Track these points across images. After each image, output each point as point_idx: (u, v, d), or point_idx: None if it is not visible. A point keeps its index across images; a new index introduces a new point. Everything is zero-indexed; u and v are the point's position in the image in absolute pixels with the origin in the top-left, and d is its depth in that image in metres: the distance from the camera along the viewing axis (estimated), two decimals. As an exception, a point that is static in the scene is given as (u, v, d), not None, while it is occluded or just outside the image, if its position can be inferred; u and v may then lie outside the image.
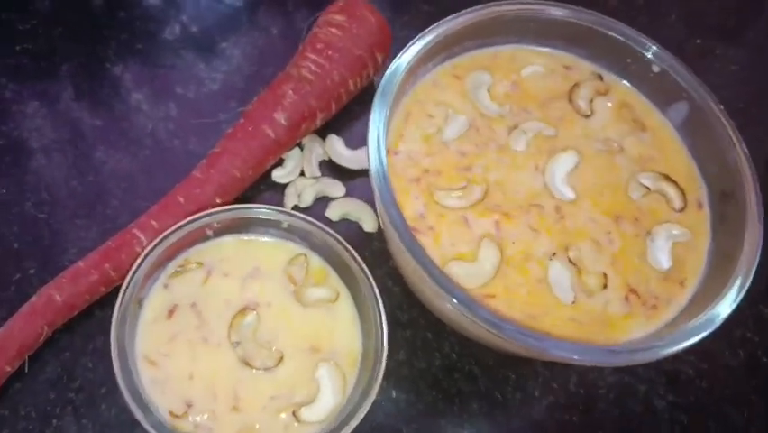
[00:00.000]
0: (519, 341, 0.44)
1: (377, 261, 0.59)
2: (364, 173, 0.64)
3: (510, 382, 0.57)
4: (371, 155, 0.48)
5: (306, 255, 0.54)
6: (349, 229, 0.61)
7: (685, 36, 0.77)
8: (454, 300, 0.45)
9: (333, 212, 0.61)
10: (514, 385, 0.57)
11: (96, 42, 0.70)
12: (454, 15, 0.54)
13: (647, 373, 0.58)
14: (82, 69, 0.68)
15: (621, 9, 0.78)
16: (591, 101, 0.57)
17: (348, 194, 0.63)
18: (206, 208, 0.56)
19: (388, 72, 0.51)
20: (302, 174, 0.63)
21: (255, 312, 0.51)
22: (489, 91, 0.56)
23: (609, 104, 0.57)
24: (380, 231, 0.61)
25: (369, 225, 0.61)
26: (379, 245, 0.61)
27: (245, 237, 0.55)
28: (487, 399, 0.56)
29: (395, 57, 0.64)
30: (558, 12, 0.57)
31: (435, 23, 0.73)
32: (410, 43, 0.52)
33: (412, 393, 0.56)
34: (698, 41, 0.78)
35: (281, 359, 0.50)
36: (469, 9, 0.55)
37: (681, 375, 0.59)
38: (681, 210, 0.53)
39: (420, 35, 0.53)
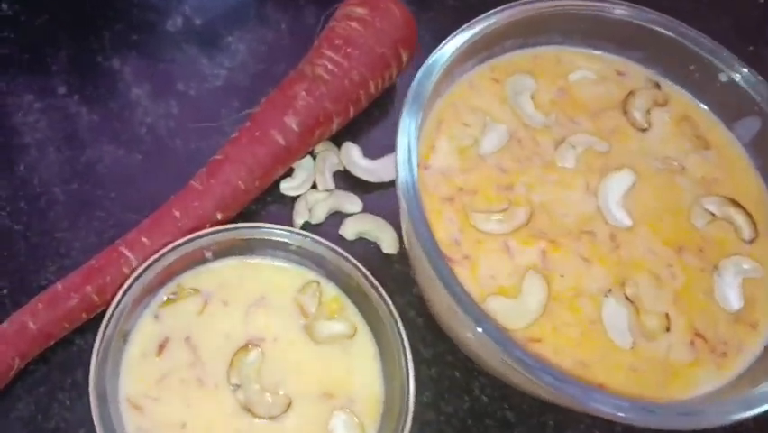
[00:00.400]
0: (578, 399, 0.37)
1: (398, 287, 0.52)
2: (382, 186, 0.57)
3: (548, 430, 0.50)
4: (400, 169, 0.41)
5: (318, 283, 0.47)
6: (366, 250, 0.54)
7: (736, 42, 0.70)
8: (496, 345, 0.38)
9: (349, 230, 0.54)
10: (552, 433, 0.50)
11: (88, 33, 0.63)
12: (497, 10, 0.47)
13: (701, 422, 0.51)
14: (71, 62, 0.61)
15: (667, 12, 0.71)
16: (648, 112, 0.50)
17: (365, 210, 0.56)
18: (205, 224, 0.50)
19: (421, 71, 0.44)
20: (314, 186, 0.56)
21: (259, 349, 0.44)
22: (532, 98, 0.49)
23: (668, 116, 0.50)
24: (402, 253, 0.54)
25: (388, 246, 0.54)
26: (401, 269, 0.54)
27: (249, 261, 0.48)
28: (521, 449, 0.49)
29: (420, 56, 0.58)
30: (610, 9, 0.50)
31: (463, 19, 0.66)
32: (447, 39, 0.46)
33: (437, 442, 0.49)
34: (750, 47, 0.70)
35: (289, 406, 0.43)
36: (512, 4, 0.48)
37: (741, 428, 0.52)
38: (752, 241, 0.47)
39: (459, 30, 0.46)
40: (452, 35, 0.46)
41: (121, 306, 0.43)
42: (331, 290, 0.47)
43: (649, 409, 0.38)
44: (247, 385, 0.43)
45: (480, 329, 0.38)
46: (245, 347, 0.44)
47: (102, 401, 0.40)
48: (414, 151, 0.41)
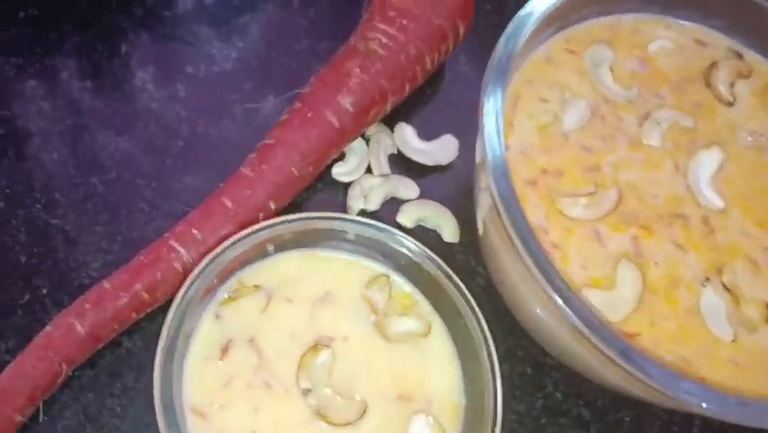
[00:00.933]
0: (694, 401, 0.34)
1: (461, 278, 0.48)
2: (438, 170, 0.54)
3: (624, 427, 0.48)
4: (489, 149, 0.38)
5: (388, 276, 0.43)
6: (425, 239, 0.51)
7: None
8: (606, 346, 0.34)
9: (407, 217, 0.51)
10: (629, 430, 0.48)
11: (114, 12, 0.58)
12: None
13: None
14: (94, 45, 0.57)
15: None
16: (732, 85, 0.46)
17: (421, 195, 0.52)
18: (258, 214, 0.46)
19: (502, 41, 0.40)
20: (367, 171, 0.52)
21: (329, 349, 0.41)
22: (611, 70, 0.45)
23: (751, 89, 0.47)
24: (463, 242, 0.51)
25: (450, 235, 0.51)
26: (463, 259, 0.50)
27: (311, 253, 0.44)
28: (599, 447, 0.46)
29: (477, 28, 0.54)
30: (689, -25, 0.47)
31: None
32: (524, 8, 0.42)
33: (511, 443, 0.46)
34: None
35: (365, 411, 0.39)
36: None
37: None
38: None
39: (534, -2, 0.42)
40: (526, 5, 0.42)
41: (182, 306, 0.40)
42: (401, 284, 0.44)
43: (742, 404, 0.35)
44: (318, 389, 0.40)
45: (584, 326, 0.34)
46: (314, 348, 0.41)
47: (168, 411, 0.37)
48: (501, 133, 0.38)
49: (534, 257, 0.36)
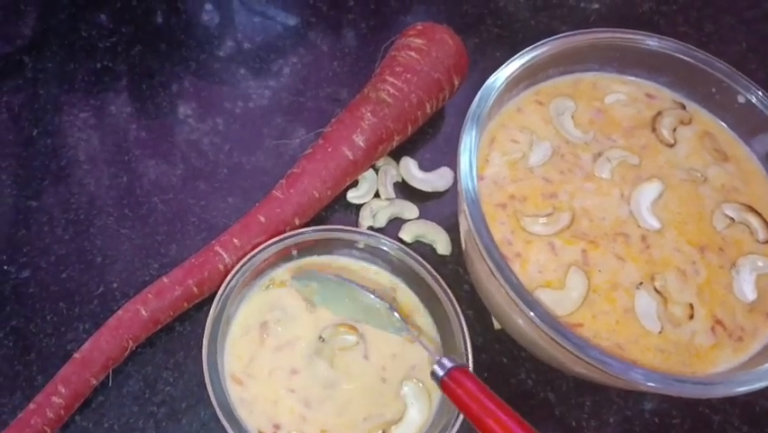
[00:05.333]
0: (614, 371, 0.44)
1: (450, 284, 0.59)
2: (436, 195, 0.64)
3: (585, 410, 0.57)
4: (463, 179, 0.48)
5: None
6: (422, 251, 0.62)
7: (756, 66, 0.77)
8: (550, 330, 0.45)
9: (408, 234, 0.62)
10: (589, 412, 0.57)
11: (175, 62, 0.71)
12: (543, 42, 0.54)
13: (722, 404, 0.58)
14: (153, 91, 0.69)
15: (690, 35, 0.78)
16: (674, 130, 0.57)
17: (421, 216, 0.63)
18: (285, 228, 0.57)
19: (478, 96, 0.51)
20: (376, 195, 0.64)
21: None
22: (572, 118, 0.56)
23: (692, 133, 0.57)
24: (453, 254, 0.61)
25: (442, 248, 0.61)
26: (453, 268, 0.61)
27: (326, 258, 0.55)
28: (561, 426, 0.56)
29: (470, 79, 0.66)
30: (642, 41, 0.57)
31: (507, 45, 0.74)
32: (500, 68, 0.53)
33: (488, 419, 0.55)
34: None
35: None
36: (556, 36, 0.55)
37: (757, 407, 0.58)
38: (766, 242, 0.53)
39: (509, 61, 0.53)
40: (503, 65, 0.53)
41: (223, 297, 0.51)
42: (397, 283, 0.55)
43: (675, 380, 0.45)
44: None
45: (534, 315, 0.45)
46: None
47: (213, 376, 0.48)
48: (474, 167, 0.49)
49: (497, 263, 0.46)
